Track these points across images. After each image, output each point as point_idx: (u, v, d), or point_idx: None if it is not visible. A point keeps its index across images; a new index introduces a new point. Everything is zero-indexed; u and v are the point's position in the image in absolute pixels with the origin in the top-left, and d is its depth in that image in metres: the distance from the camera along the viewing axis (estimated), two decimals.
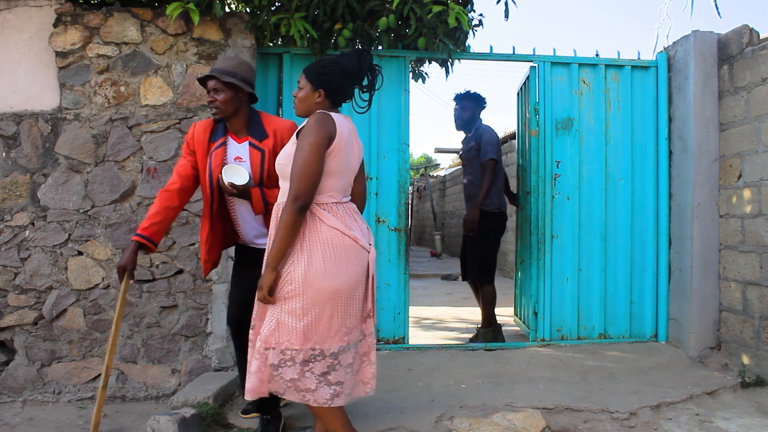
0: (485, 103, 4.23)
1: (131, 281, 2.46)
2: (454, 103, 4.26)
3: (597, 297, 3.95)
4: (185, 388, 3.01)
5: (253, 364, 2.13)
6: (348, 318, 2.12)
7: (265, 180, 2.50)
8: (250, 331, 2.21)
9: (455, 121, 4.23)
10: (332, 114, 2.14)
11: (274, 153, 2.50)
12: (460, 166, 4.54)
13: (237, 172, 2.44)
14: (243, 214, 2.55)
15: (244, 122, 2.54)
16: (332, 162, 2.10)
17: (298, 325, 2.05)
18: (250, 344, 2.21)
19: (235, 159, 2.51)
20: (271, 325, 2.08)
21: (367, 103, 2.30)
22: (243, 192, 2.42)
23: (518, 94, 4.64)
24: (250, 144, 2.51)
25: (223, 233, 2.60)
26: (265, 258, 2.16)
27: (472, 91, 4.19)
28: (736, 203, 3.57)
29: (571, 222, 3.94)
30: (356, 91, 2.31)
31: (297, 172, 2.02)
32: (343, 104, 2.33)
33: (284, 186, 2.15)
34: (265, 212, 2.48)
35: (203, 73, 3.30)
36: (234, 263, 2.75)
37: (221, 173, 2.43)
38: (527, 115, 4.27)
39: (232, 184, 2.39)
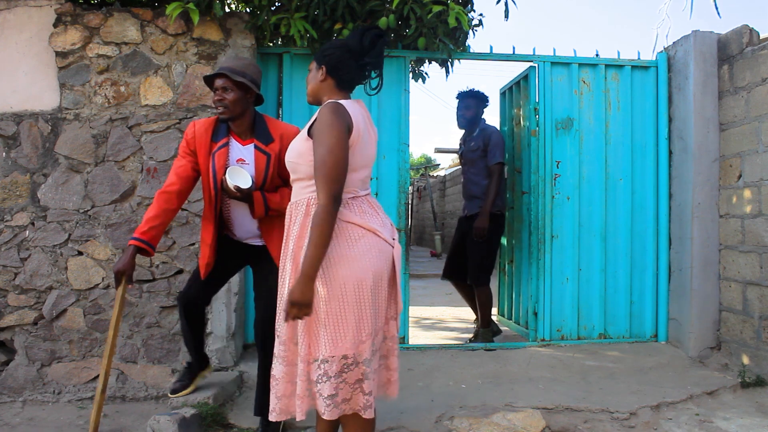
0: (488, 102, 4.23)
1: (130, 286, 2.43)
2: (456, 101, 4.24)
3: (597, 297, 3.95)
4: None
5: (283, 384, 1.99)
6: (376, 319, 1.94)
7: (267, 184, 2.48)
8: (280, 347, 2.02)
9: (458, 119, 4.21)
10: (344, 102, 1.97)
11: (280, 158, 2.47)
12: (460, 166, 4.53)
13: (241, 175, 2.41)
14: (239, 216, 2.53)
15: (249, 124, 2.51)
16: (351, 157, 1.93)
17: (326, 330, 1.88)
18: (279, 360, 2.03)
19: (237, 161, 2.48)
20: (306, 340, 1.92)
21: (377, 78, 2.13)
22: (246, 196, 2.40)
23: (503, 94, 4.64)
24: (256, 147, 2.48)
25: (228, 230, 2.59)
26: (284, 264, 2.00)
27: (475, 90, 4.19)
28: (736, 203, 3.57)
29: (571, 222, 3.94)
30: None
31: (330, 174, 1.84)
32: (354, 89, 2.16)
33: (299, 184, 2.02)
34: (265, 215, 2.46)
35: (204, 73, 3.31)
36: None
37: (225, 175, 2.39)
38: (521, 114, 4.28)
39: (237, 188, 2.36)
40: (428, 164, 20.54)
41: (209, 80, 2.51)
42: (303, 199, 1.98)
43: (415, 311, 5.57)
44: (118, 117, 3.31)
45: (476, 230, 3.92)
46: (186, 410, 2.64)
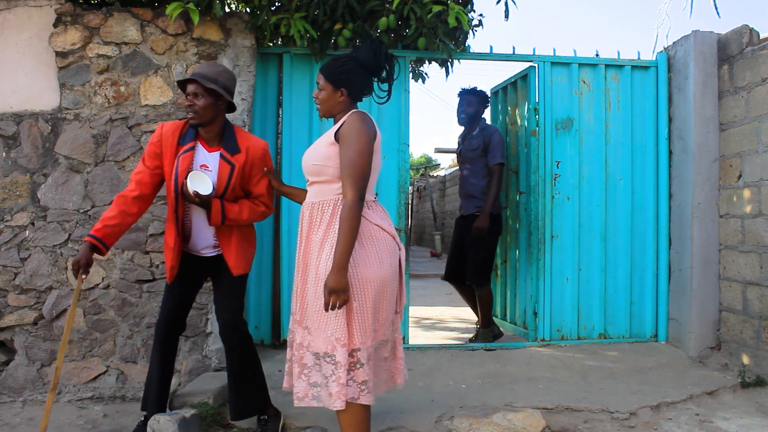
0: (489, 101, 4.23)
1: (84, 277, 2.44)
2: (458, 99, 4.22)
3: (597, 297, 3.95)
4: (185, 388, 3.02)
5: (319, 373, 2.11)
6: (390, 312, 2.18)
7: (228, 193, 2.48)
8: (308, 336, 2.15)
9: (459, 116, 4.19)
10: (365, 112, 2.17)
11: (243, 170, 2.49)
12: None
13: (202, 181, 2.41)
14: (198, 223, 2.52)
15: (218, 132, 2.51)
16: (373, 161, 2.13)
17: (358, 322, 2.06)
18: (297, 350, 2.19)
19: (201, 166, 2.48)
20: (344, 330, 2.06)
21: (386, 93, 2.30)
22: (204, 202, 2.40)
23: (495, 94, 4.64)
24: (222, 156, 2.47)
25: (183, 238, 2.56)
26: (307, 259, 2.17)
27: (477, 88, 4.19)
28: (736, 203, 3.57)
29: (571, 222, 3.94)
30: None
31: (358, 174, 2.04)
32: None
33: (323, 186, 2.16)
34: (221, 224, 2.47)
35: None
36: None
37: (186, 179, 2.39)
38: (517, 114, 4.28)
39: (196, 193, 2.36)
40: (428, 164, 20.55)
41: (182, 85, 2.50)
42: (330, 200, 2.14)
43: (415, 311, 5.58)
44: (118, 117, 3.31)
45: (476, 230, 3.92)
46: (186, 410, 2.65)
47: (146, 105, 3.32)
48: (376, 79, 2.27)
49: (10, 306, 3.25)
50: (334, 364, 2.04)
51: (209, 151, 2.50)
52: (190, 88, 2.44)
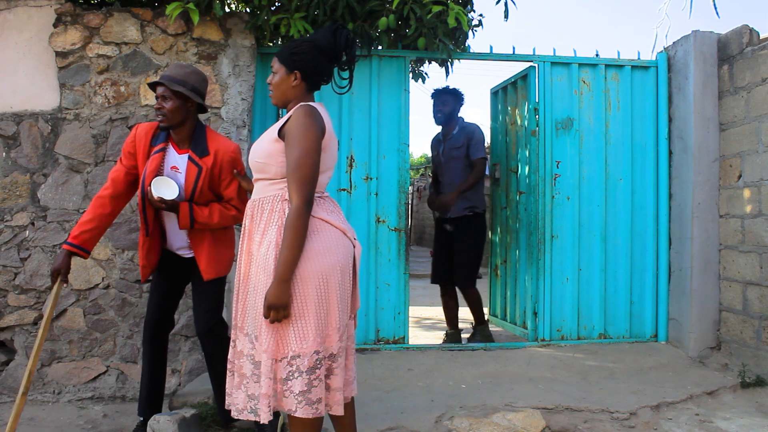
0: (464, 99, 4.23)
1: (64, 285, 2.43)
2: (432, 99, 4.21)
3: (597, 297, 3.95)
4: (185, 388, 3.02)
5: (257, 384, 1.93)
6: (343, 314, 1.98)
7: (196, 196, 2.47)
8: (248, 345, 1.98)
9: (435, 115, 4.18)
10: (315, 105, 2.00)
11: (212, 173, 2.48)
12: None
13: (168, 186, 2.40)
14: (171, 224, 2.53)
15: (188, 134, 2.50)
16: (322, 159, 1.97)
17: (295, 325, 1.89)
18: (248, 358, 1.99)
19: (172, 168, 2.48)
20: (274, 335, 1.90)
21: (347, 81, 2.13)
22: (171, 206, 2.40)
23: (495, 94, 4.65)
24: (190, 158, 2.47)
25: (160, 237, 2.57)
26: (248, 260, 2.01)
27: (450, 87, 4.19)
28: (736, 203, 3.57)
29: (571, 222, 3.94)
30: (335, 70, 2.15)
31: (305, 177, 1.88)
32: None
33: (265, 183, 2.02)
34: (191, 228, 2.46)
35: (205, 73, 3.31)
36: (157, 267, 2.64)
37: (151, 185, 2.39)
38: (517, 114, 4.28)
39: (161, 199, 2.36)
40: (428, 164, 20.53)
41: (152, 88, 2.50)
42: (269, 197, 1.99)
43: (415, 311, 5.57)
44: (118, 117, 3.31)
45: (441, 203, 3.97)
46: (186, 410, 2.65)
47: (146, 105, 3.32)
48: (337, 67, 2.12)
49: (10, 306, 3.25)
50: (296, 368, 1.88)
51: (179, 153, 2.51)
52: (159, 90, 2.44)
